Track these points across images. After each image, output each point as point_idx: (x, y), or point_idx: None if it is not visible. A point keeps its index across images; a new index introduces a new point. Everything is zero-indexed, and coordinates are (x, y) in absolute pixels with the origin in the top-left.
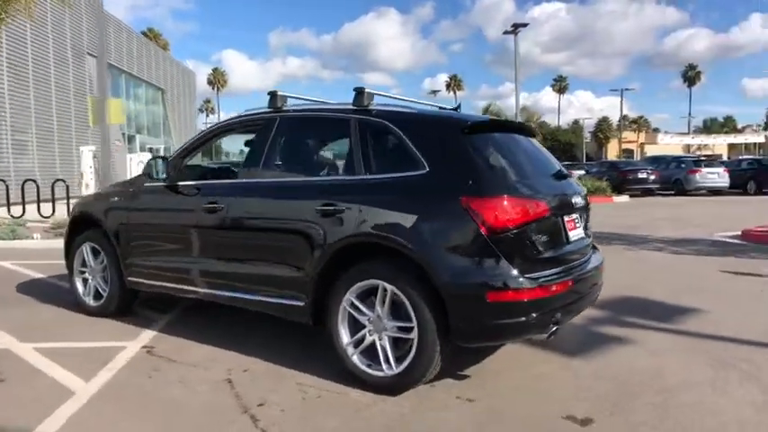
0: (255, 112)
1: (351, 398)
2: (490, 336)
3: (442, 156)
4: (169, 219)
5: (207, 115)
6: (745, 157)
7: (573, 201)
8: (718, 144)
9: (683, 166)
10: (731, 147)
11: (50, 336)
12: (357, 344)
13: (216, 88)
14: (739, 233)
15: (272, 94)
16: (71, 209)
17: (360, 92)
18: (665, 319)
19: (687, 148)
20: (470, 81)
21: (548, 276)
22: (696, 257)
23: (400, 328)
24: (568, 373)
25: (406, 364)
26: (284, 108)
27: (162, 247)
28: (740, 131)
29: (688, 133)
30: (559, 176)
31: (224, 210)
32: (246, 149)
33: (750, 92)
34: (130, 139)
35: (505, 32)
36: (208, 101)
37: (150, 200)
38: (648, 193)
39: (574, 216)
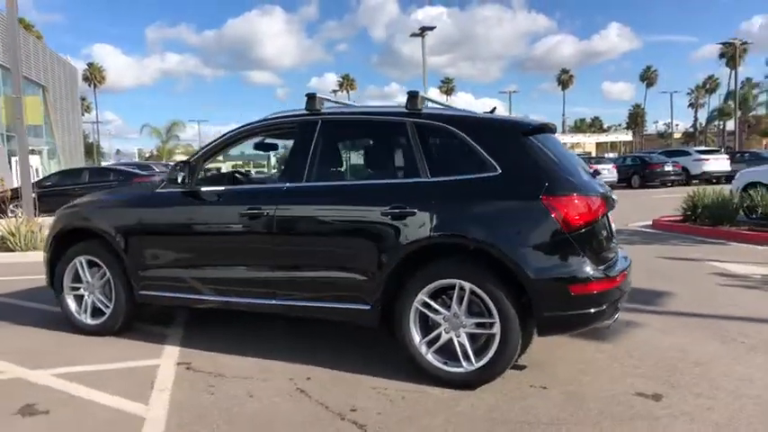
0: (288, 114)
1: (433, 396)
2: (569, 326)
3: (512, 158)
4: (197, 226)
5: (83, 113)
6: (611, 155)
7: (612, 198)
8: (589, 142)
9: None
10: (599, 145)
11: (61, 360)
12: (431, 343)
13: (93, 85)
14: (650, 223)
15: (311, 97)
16: (54, 221)
17: (414, 95)
18: (650, 303)
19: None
20: (358, 81)
21: (611, 268)
22: (629, 246)
23: (478, 324)
24: (605, 356)
25: (488, 358)
26: (323, 111)
27: (188, 258)
28: (606, 131)
29: (564, 132)
30: (593, 174)
31: (270, 216)
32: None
33: (610, 94)
34: (9, 140)
35: (413, 35)
36: (83, 98)
37: (172, 207)
38: None
39: (610, 213)
